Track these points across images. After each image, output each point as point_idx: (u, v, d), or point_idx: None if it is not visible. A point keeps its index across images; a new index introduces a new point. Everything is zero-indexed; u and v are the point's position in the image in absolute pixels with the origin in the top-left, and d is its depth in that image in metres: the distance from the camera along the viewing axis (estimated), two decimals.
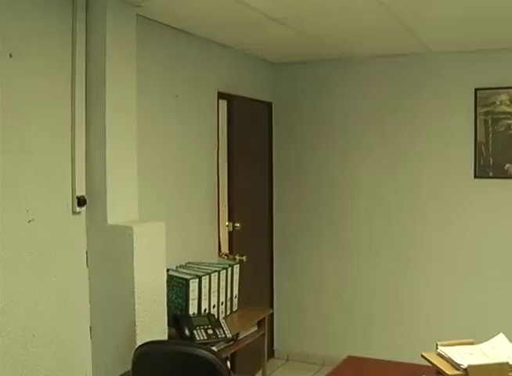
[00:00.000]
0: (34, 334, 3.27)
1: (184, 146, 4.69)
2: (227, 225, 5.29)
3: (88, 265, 3.67)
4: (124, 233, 3.56)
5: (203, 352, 2.78)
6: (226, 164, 5.16)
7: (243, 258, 5.16)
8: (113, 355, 3.59)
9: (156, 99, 4.36)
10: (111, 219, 3.62)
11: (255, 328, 4.76)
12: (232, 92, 5.28)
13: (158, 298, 3.77)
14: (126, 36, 3.74)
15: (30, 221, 3.26)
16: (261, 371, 5.08)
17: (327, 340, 5.92)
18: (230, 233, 5.25)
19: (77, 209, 3.57)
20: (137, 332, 3.57)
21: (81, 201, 3.57)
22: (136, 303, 3.57)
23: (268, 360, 5.20)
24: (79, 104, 3.57)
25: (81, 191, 3.58)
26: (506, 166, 5.27)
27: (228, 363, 3.78)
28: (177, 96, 4.55)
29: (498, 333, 3.10)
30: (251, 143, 5.72)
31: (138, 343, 3.31)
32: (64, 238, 3.51)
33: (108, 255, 3.63)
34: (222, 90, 5.14)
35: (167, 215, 4.29)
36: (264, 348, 4.92)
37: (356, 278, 5.84)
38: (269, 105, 6.05)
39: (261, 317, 4.80)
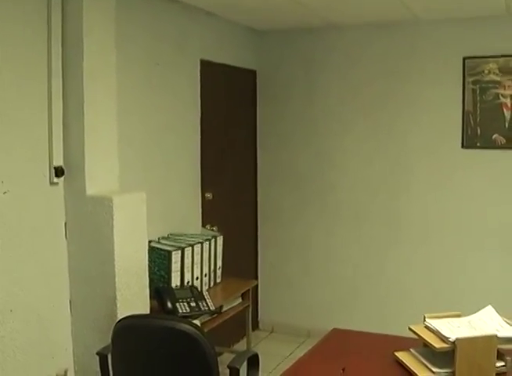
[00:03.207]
0: (11, 309, 3.19)
1: (166, 114, 4.58)
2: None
3: (66, 237, 3.59)
4: (104, 204, 3.47)
5: (185, 326, 2.73)
6: (199, 133, 5.03)
7: (214, 228, 5.07)
8: (93, 329, 3.53)
9: (138, 67, 4.23)
10: (90, 190, 3.53)
11: (239, 300, 4.72)
12: (215, 60, 5.16)
13: (139, 271, 3.70)
14: (104, 1, 3.61)
15: (5, 192, 3.17)
16: (244, 341, 5.05)
17: (312, 312, 5.88)
18: (201, 204, 5.13)
19: (55, 179, 3.48)
20: (117, 305, 3.51)
21: (59, 171, 3.48)
22: (117, 276, 3.51)
23: (252, 332, 5.16)
24: (56, 72, 3.46)
25: (58, 161, 3.48)
26: (494, 136, 5.19)
27: None
28: (158, 64, 4.43)
29: (486, 305, 3.06)
30: (233, 112, 5.61)
31: (119, 317, 3.26)
32: (42, 209, 3.42)
33: (87, 227, 3.55)
34: (205, 58, 5.01)
35: (149, 185, 4.20)
36: (248, 320, 4.88)
37: (342, 250, 5.78)
38: (254, 73, 5.92)
39: (245, 289, 4.75)
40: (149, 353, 2.83)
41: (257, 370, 3.17)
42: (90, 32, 3.50)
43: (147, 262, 3.79)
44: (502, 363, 2.69)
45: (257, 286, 5.84)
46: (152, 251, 4.10)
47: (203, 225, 5.03)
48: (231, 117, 5.57)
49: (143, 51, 4.28)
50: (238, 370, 2.91)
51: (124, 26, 3.94)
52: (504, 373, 2.67)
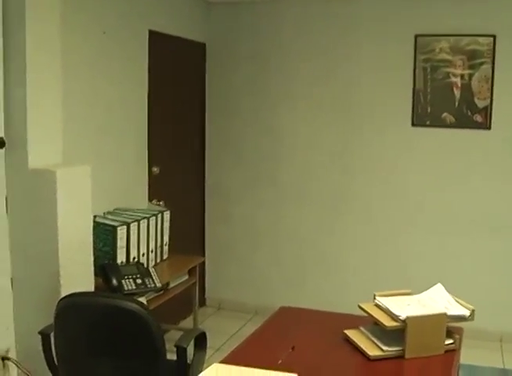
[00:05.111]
0: None
1: (113, 85, 4.43)
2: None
3: (7, 212, 3.44)
4: (47, 178, 3.35)
5: (129, 305, 2.67)
6: (147, 105, 4.91)
7: (161, 203, 4.98)
8: (36, 307, 3.41)
9: (84, 36, 4.08)
10: (33, 163, 3.40)
11: (186, 277, 4.66)
12: (164, 31, 5.03)
13: (84, 247, 3.60)
14: None
15: None
16: (191, 318, 5.00)
17: (260, 289, 5.85)
18: (148, 178, 5.02)
19: None
20: (61, 283, 3.40)
21: (0, 143, 3.32)
22: (60, 252, 3.40)
23: (199, 309, 5.11)
24: None
25: None
26: (444, 115, 5.21)
27: None
28: (105, 33, 4.28)
29: (434, 283, 3.06)
30: (181, 85, 5.49)
31: (63, 294, 3.14)
32: None
33: (30, 202, 3.42)
34: (154, 28, 4.88)
35: (95, 159, 4.09)
36: (195, 297, 4.83)
37: (290, 227, 5.75)
38: (203, 46, 5.81)
39: (192, 265, 4.70)
40: (92, 332, 2.76)
41: (205, 349, 3.12)
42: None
43: (92, 238, 3.69)
44: (451, 341, 2.71)
45: (204, 262, 5.78)
46: (97, 226, 3.99)
47: (150, 200, 4.93)
48: (179, 91, 5.45)
49: (90, 19, 4.12)
50: (185, 349, 2.86)
51: None
52: (453, 350, 2.69)
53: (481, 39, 5.05)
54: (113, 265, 3.90)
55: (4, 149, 3.36)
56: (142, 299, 3.73)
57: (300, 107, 5.62)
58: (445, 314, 2.69)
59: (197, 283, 4.79)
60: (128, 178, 4.69)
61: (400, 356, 2.61)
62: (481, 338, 4.94)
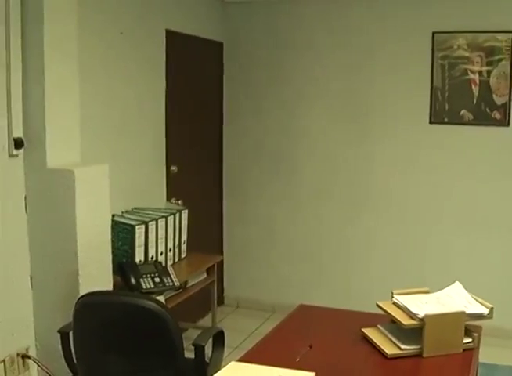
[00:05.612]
0: None
1: (130, 85, 4.45)
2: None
3: (27, 211, 3.49)
4: (65, 177, 3.38)
5: (148, 303, 2.68)
6: (164, 105, 4.93)
7: (179, 202, 4.99)
8: (55, 306, 3.45)
9: (100, 36, 4.10)
10: (51, 162, 3.44)
11: (204, 275, 4.68)
12: (181, 31, 5.04)
13: (102, 246, 3.63)
14: None
15: None
16: (209, 317, 5.02)
17: (278, 287, 5.85)
18: (166, 177, 5.04)
19: (14, 151, 3.37)
20: (80, 281, 3.44)
21: (18, 143, 3.36)
22: (79, 251, 3.43)
23: (217, 307, 5.12)
24: (14, 39, 3.32)
25: (17, 132, 3.36)
26: (462, 112, 5.18)
27: None
28: (122, 33, 4.30)
29: (451, 281, 3.04)
30: (199, 85, 5.51)
31: (82, 293, 3.16)
32: (0, 182, 3.30)
33: (48, 201, 3.46)
34: (171, 28, 4.89)
35: (114, 158, 4.11)
36: (213, 295, 4.84)
37: (307, 225, 5.74)
38: (220, 45, 5.81)
39: (211, 264, 4.71)
40: (111, 331, 2.77)
41: (223, 347, 3.13)
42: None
43: (110, 237, 3.72)
44: (470, 340, 2.69)
45: (222, 261, 5.79)
46: (115, 225, 4.01)
47: (168, 199, 4.95)
48: (197, 90, 5.46)
49: (107, 19, 4.15)
50: (203, 348, 2.87)
51: None
52: (471, 349, 2.67)
53: (499, 36, 5.01)
54: (131, 263, 3.92)
55: (22, 149, 3.40)
56: (161, 298, 3.74)
57: (317, 106, 5.61)
58: (463, 312, 2.68)
59: (215, 282, 4.81)
60: (146, 178, 4.71)
61: (418, 355, 2.59)
62: (500, 336, 4.91)
